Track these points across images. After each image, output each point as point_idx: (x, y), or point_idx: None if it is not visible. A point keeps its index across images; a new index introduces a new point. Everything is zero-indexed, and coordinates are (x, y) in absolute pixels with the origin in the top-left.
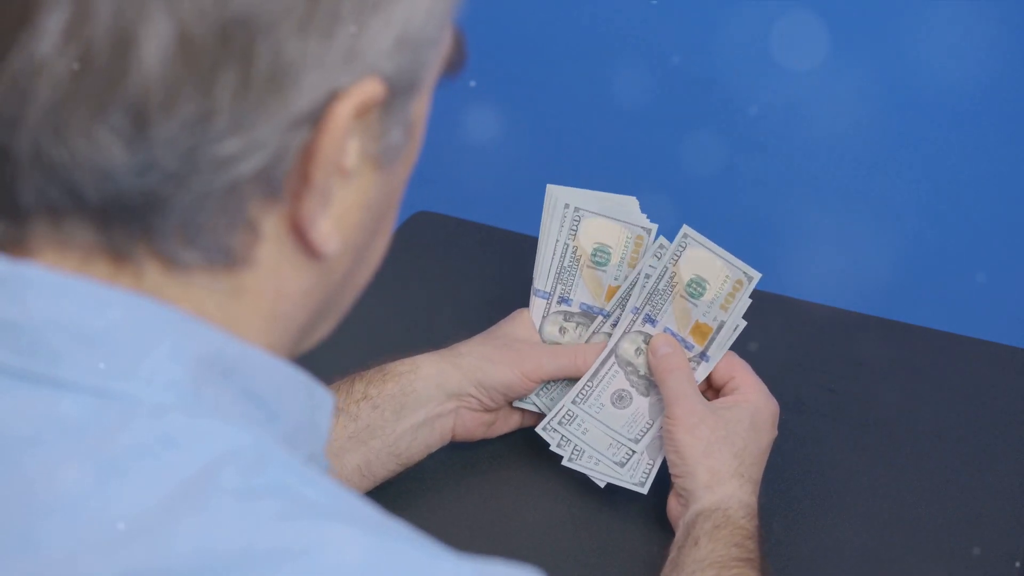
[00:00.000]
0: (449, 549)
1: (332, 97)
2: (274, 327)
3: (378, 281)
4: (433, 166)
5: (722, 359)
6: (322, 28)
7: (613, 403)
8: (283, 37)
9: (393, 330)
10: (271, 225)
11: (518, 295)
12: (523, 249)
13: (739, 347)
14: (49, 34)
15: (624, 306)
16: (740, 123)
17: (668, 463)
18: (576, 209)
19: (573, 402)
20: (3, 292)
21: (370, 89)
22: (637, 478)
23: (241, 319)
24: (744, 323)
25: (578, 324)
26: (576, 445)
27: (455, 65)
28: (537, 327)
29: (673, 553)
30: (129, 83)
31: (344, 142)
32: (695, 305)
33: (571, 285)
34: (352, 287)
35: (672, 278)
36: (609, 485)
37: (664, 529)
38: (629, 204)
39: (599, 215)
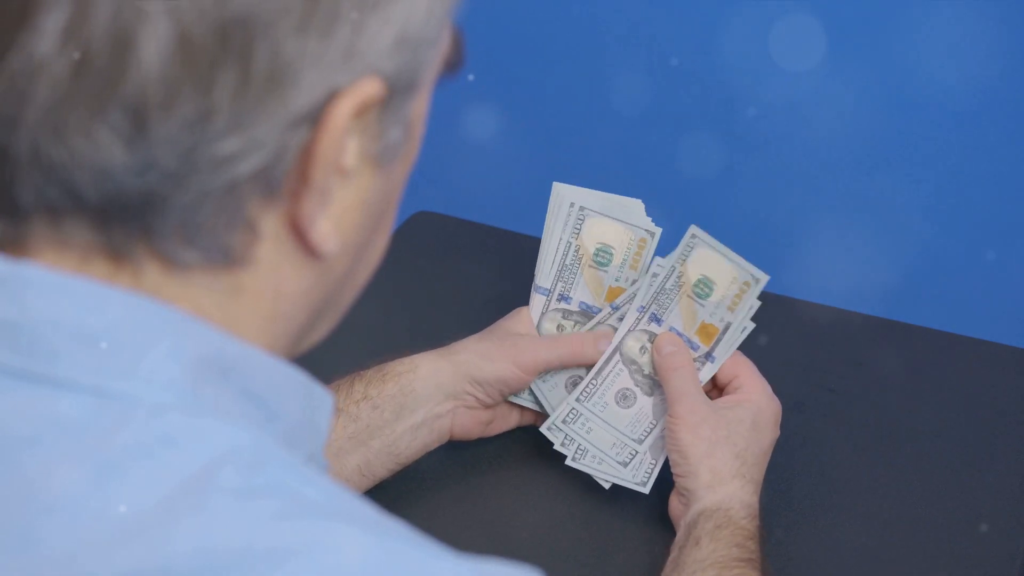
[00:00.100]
0: (449, 549)
1: (331, 96)
2: (273, 327)
3: (378, 281)
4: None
5: (728, 358)
6: (321, 27)
7: (617, 402)
8: (282, 36)
9: (393, 330)
10: (270, 225)
11: (518, 295)
12: (523, 249)
13: (743, 347)
14: (48, 34)
15: (630, 304)
16: (740, 124)
17: (670, 462)
18: (581, 208)
19: (577, 400)
20: (2, 292)
21: (369, 88)
22: (639, 478)
23: (240, 319)
24: (752, 325)
25: (576, 323)
26: (580, 445)
27: (454, 65)
28: (536, 323)
29: (674, 553)
30: (128, 83)
31: (343, 141)
32: (702, 305)
33: (572, 284)
34: (351, 287)
35: (680, 277)
36: (610, 484)
37: (664, 529)
38: (634, 206)
39: (603, 215)
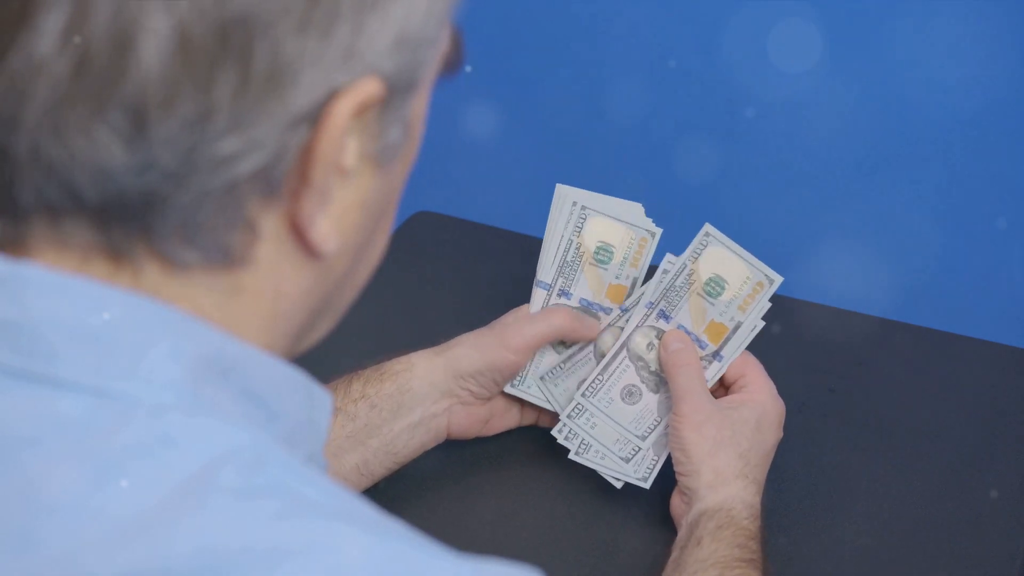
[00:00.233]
0: (449, 549)
1: (331, 96)
2: (273, 326)
3: (378, 281)
4: (433, 166)
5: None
6: (321, 27)
7: (623, 398)
8: (282, 36)
9: (393, 330)
10: (270, 224)
11: (518, 295)
12: (523, 249)
13: (749, 346)
14: (48, 34)
15: (639, 300)
16: (739, 124)
17: (673, 460)
18: (583, 207)
19: (583, 395)
20: (2, 292)
21: (369, 88)
22: (640, 473)
23: (240, 318)
24: (762, 324)
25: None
26: (583, 439)
27: (453, 64)
28: None
29: (675, 552)
30: (128, 83)
31: (343, 141)
32: (712, 304)
33: (572, 280)
34: (351, 286)
35: (691, 275)
36: (610, 483)
37: (665, 528)
38: (634, 209)
39: (604, 215)
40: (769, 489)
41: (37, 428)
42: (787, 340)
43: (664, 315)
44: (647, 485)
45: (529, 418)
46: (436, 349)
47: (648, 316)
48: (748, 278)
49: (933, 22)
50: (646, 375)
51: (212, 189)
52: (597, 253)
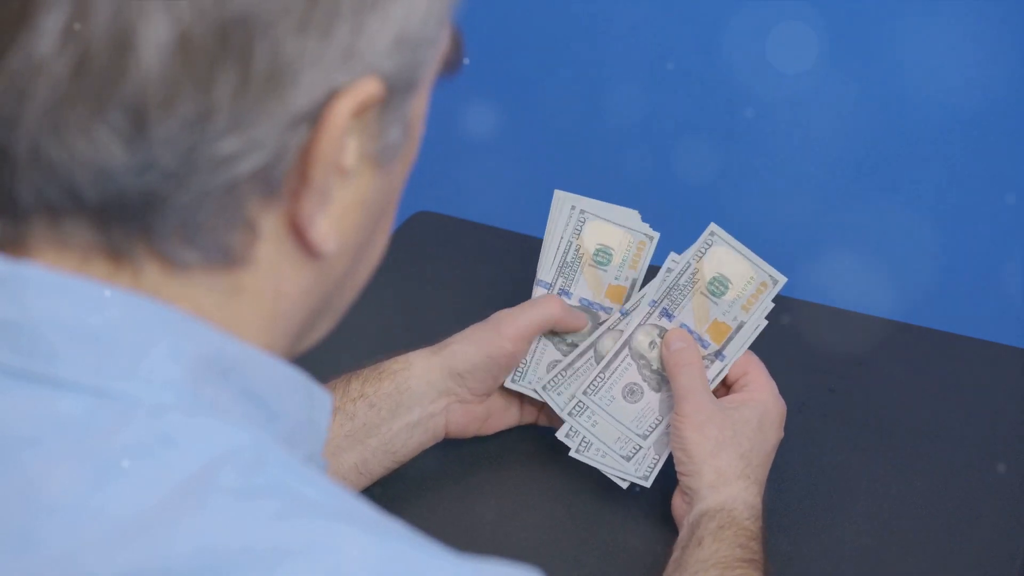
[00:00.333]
0: (448, 549)
1: (331, 96)
2: (273, 326)
3: (378, 281)
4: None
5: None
6: (321, 27)
7: (624, 396)
8: (282, 36)
9: (393, 330)
10: (270, 224)
11: (518, 295)
12: (523, 249)
13: (751, 346)
14: (48, 34)
15: (641, 300)
16: (739, 124)
17: (675, 460)
18: (582, 211)
19: (584, 393)
20: (2, 292)
21: (369, 88)
22: (641, 472)
23: (240, 318)
24: (765, 323)
25: None
26: (584, 437)
27: (453, 64)
28: None
29: (677, 553)
30: (128, 82)
31: (343, 141)
32: (715, 303)
33: (572, 280)
34: (351, 286)
35: (694, 274)
36: (610, 482)
37: (666, 528)
38: (631, 216)
39: (603, 219)
40: (769, 489)
41: (37, 428)
42: (787, 340)
43: (667, 313)
44: (648, 484)
45: (529, 416)
46: (433, 348)
47: (651, 314)
48: (752, 278)
49: (933, 22)
50: (648, 373)
51: (212, 189)
52: (596, 255)
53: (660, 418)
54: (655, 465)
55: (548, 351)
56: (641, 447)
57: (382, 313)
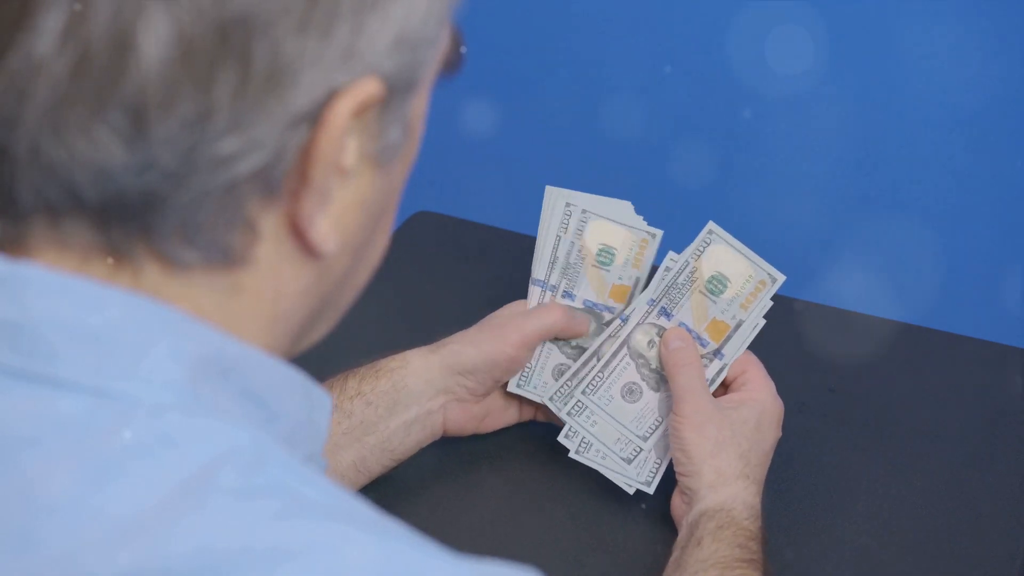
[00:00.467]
0: (448, 549)
1: (331, 96)
2: (273, 326)
3: (378, 281)
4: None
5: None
6: (321, 27)
7: (623, 396)
8: (282, 36)
9: (393, 330)
10: (270, 224)
11: (518, 295)
12: (523, 249)
13: (750, 345)
14: (48, 34)
15: (641, 298)
16: (739, 124)
17: (674, 461)
18: (582, 211)
19: (583, 392)
20: (2, 292)
21: (369, 88)
22: (644, 477)
23: (240, 318)
24: (763, 322)
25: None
26: (584, 438)
27: (453, 64)
28: None
29: (676, 553)
30: (128, 83)
31: (343, 141)
32: (714, 302)
33: (576, 281)
34: (351, 286)
35: (693, 273)
36: (610, 483)
37: (665, 528)
38: (624, 208)
39: (605, 219)
40: (769, 489)
41: (37, 428)
42: (787, 340)
43: (665, 312)
44: (651, 490)
45: (528, 415)
46: (431, 347)
47: (649, 313)
48: (751, 276)
49: (933, 22)
50: (646, 372)
51: (212, 189)
52: (599, 255)
53: (660, 419)
54: (657, 470)
55: (553, 355)
56: (642, 449)
57: (382, 313)
